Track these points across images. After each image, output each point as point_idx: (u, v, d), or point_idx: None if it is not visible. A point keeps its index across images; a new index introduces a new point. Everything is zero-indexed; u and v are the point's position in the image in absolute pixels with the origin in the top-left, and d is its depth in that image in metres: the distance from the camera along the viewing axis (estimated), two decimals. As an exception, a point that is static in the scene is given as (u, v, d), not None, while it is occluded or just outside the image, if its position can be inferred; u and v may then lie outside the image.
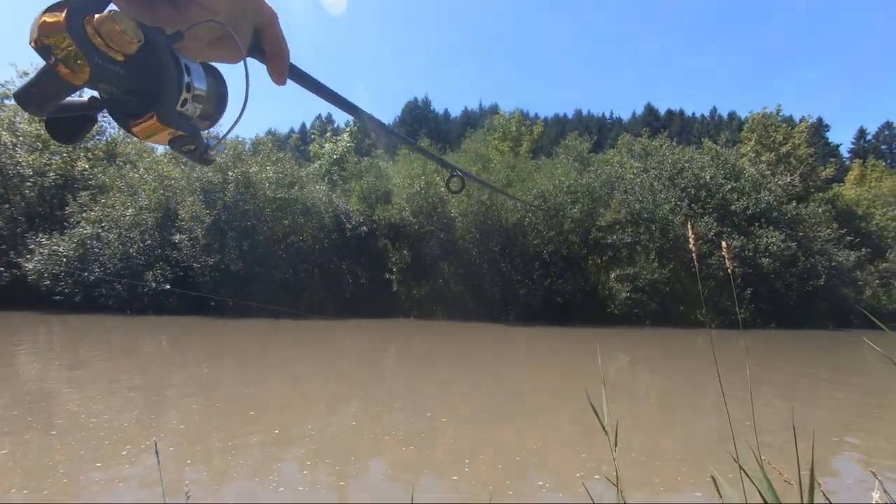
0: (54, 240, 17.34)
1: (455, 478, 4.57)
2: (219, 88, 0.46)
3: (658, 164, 20.41)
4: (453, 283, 18.20)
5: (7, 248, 17.84)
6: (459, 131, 47.95)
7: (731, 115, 72.94)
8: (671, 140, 23.15)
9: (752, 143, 28.24)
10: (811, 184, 25.86)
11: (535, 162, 22.74)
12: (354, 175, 21.44)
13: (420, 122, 75.66)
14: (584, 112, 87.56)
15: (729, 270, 1.29)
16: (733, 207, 18.52)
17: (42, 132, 20.47)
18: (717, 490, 1.61)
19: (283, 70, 0.48)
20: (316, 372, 9.56)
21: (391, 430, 5.96)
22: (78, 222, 17.84)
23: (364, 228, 18.82)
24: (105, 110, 0.41)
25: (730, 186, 18.92)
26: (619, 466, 1.59)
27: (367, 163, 22.31)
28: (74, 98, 0.39)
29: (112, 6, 0.37)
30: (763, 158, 25.60)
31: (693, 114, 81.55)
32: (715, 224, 17.70)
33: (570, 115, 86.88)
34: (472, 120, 71.68)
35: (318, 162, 24.58)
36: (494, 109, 37.71)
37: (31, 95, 0.37)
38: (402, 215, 18.60)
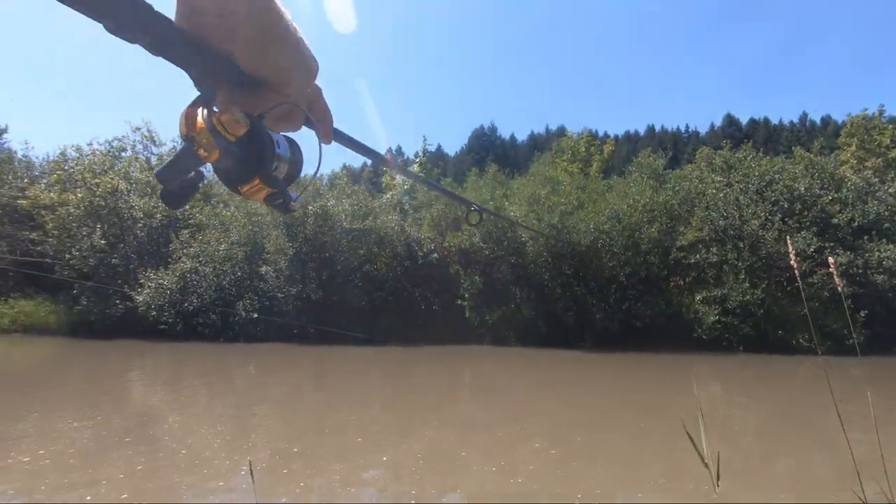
0: (160, 274, 19.21)
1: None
2: (295, 154, 0.58)
3: (743, 176, 19.04)
4: (526, 308, 17.89)
5: (122, 283, 20.01)
6: (527, 156, 47.92)
7: (825, 120, 66.99)
8: (756, 151, 21.58)
9: (853, 148, 25.68)
10: (930, 190, 22.89)
11: (607, 182, 22.10)
12: (424, 204, 21.98)
13: (487, 149, 76.49)
14: (658, 127, 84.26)
15: (839, 288, 1.18)
16: (835, 220, 16.78)
17: (151, 179, 23.05)
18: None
19: (329, 133, 0.61)
20: (392, 398, 9.72)
21: (467, 457, 5.89)
22: (179, 258, 19.68)
23: (435, 255, 19.13)
24: (202, 182, 0.52)
25: (830, 197, 17.21)
26: (729, 496, 1.48)
27: (436, 192, 22.82)
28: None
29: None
30: (868, 164, 23.14)
31: (780, 121, 75.81)
32: (815, 239, 16.07)
33: (641, 132, 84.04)
34: (539, 143, 71.46)
35: (390, 193, 25.50)
36: (562, 131, 37.35)
37: (170, 171, 0.48)
38: (472, 241, 18.70)
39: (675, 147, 63.12)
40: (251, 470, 2.14)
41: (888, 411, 8.21)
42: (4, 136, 30.74)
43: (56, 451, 5.88)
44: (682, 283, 17.88)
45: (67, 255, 20.78)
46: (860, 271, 15.86)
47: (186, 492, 4.78)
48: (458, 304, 18.53)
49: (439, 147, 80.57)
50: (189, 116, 0.47)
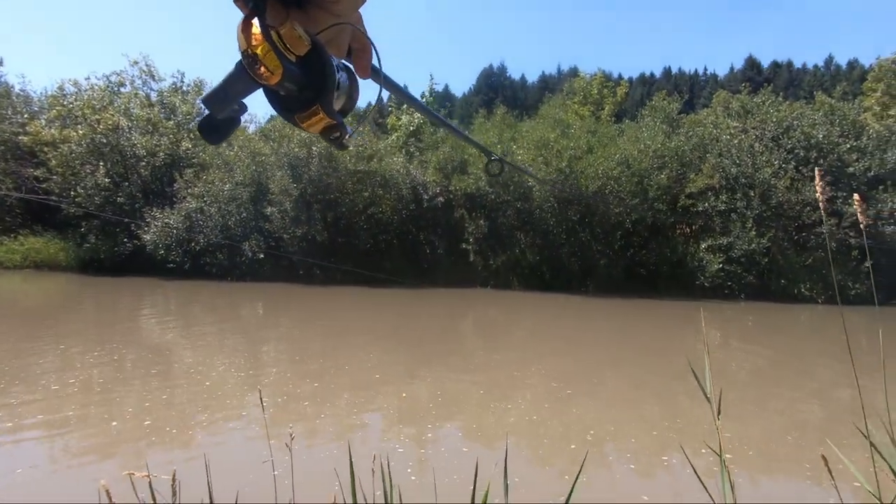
0: (166, 213, 19.27)
1: (539, 449, 4.59)
2: (353, 84, 0.53)
3: (760, 122, 18.42)
4: (530, 253, 17.95)
5: (129, 221, 20.13)
6: (537, 97, 46.37)
7: (852, 64, 63.85)
8: (776, 96, 20.73)
9: (878, 94, 24.64)
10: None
11: (619, 126, 21.47)
12: (430, 146, 21.55)
13: (496, 90, 74.04)
14: (675, 69, 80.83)
15: (862, 225, 1.12)
16: (851, 170, 16.36)
17: (151, 115, 22.60)
18: (829, 470, 1.47)
19: (368, 67, 0.55)
20: (396, 338, 9.95)
21: (469, 396, 6.09)
22: (184, 197, 19.65)
23: (441, 199, 18.98)
24: (245, 111, 0.49)
25: (848, 146, 16.69)
26: (722, 438, 1.50)
27: (442, 133, 22.30)
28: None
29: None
30: (892, 112, 22.28)
31: (804, 65, 72.40)
32: (828, 188, 15.75)
33: (657, 74, 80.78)
34: (550, 85, 68.98)
35: (395, 134, 24.95)
36: (574, 72, 35.85)
37: (219, 97, 0.44)
38: (479, 185, 18.49)
39: (692, 90, 60.80)
40: (261, 399, 2.20)
41: (887, 357, 8.36)
42: (0, 69, 29.90)
43: (78, 383, 6.12)
44: (688, 230, 17.77)
45: (73, 193, 20.78)
46: (871, 222, 15.66)
47: (202, 421, 5.00)
48: (463, 248, 18.60)
49: (447, 87, 77.92)
50: (249, 28, 0.41)
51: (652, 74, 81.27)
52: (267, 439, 3.93)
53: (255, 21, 0.42)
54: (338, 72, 0.49)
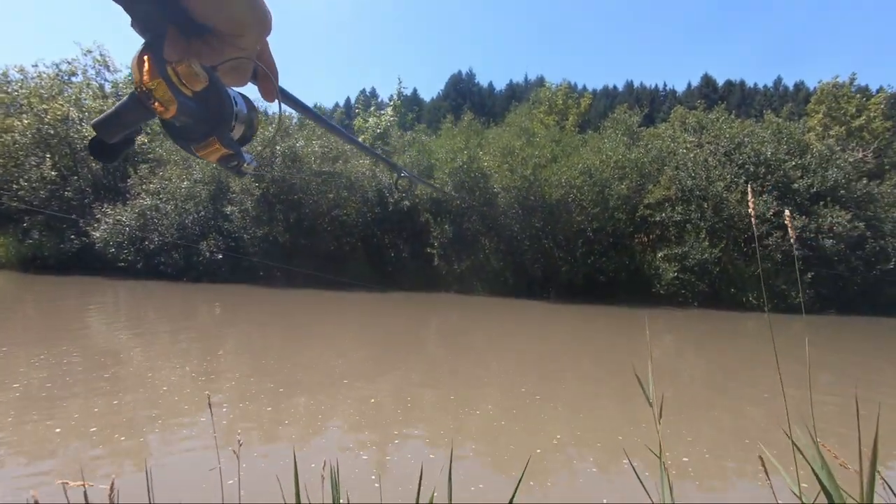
0: (118, 210, 18.43)
1: (490, 450, 4.64)
2: (251, 113, 0.53)
3: (714, 138, 19.31)
4: (494, 258, 18.14)
5: (76, 218, 19.13)
6: (504, 105, 46.99)
7: (798, 86, 67.78)
8: (729, 113, 21.80)
9: (820, 115, 26.24)
10: (886, 160, 23.87)
11: (582, 136, 22.03)
12: (398, 150, 21.50)
13: (464, 97, 74.58)
14: (636, 83, 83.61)
15: (791, 239, 1.20)
16: (796, 186, 17.36)
17: (105, 107, 21.59)
18: (766, 471, 1.56)
19: (274, 91, 0.54)
20: (358, 342, 9.85)
21: (429, 401, 6.09)
22: (138, 194, 18.86)
23: (406, 203, 18.94)
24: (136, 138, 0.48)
25: (793, 163, 17.70)
26: (663, 443, 1.56)
27: (409, 137, 22.30)
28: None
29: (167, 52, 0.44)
30: (832, 132, 23.77)
31: (755, 84, 76.34)
32: (774, 203, 16.66)
33: (620, 87, 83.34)
34: (517, 93, 70.06)
35: (362, 136, 24.76)
36: (541, 82, 36.61)
37: (111, 125, 0.43)
38: (444, 190, 18.56)
39: (652, 104, 62.99)
40: (209, 405, 2.14)
41: (819, 364, 8.88)
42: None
43: (19, 388, 5.77)
44: (645, 239, 18.38)
45: (15, 186, 19.60)
46: (812, 235, 16.63)
47: (150, 427, 4.80)
48: (428, 252, 18.60)
49: (415, 91, 77.90)
50: (143, 64, 0.41)
51: (615, 87, 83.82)
52: (216, 446, 3.81)
53: (153, 58, 0.42)
54: (236, 103, 0.50)
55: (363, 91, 63.36)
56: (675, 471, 4.27)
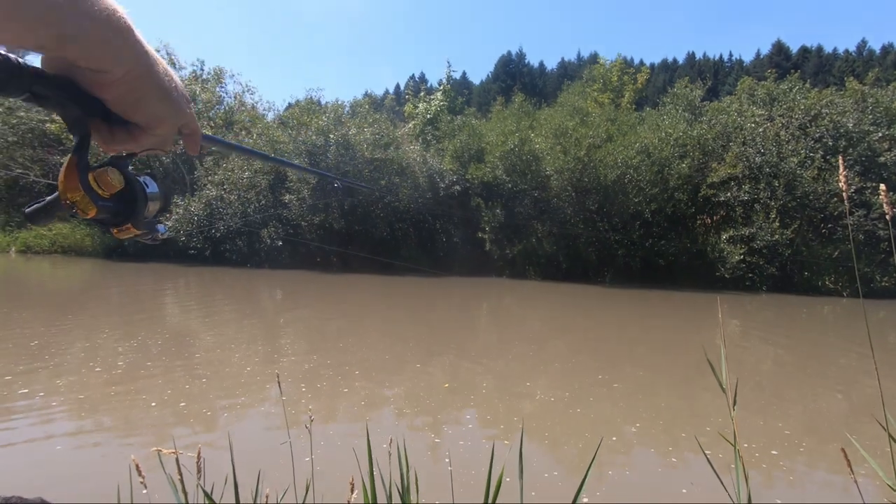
0: (187, 200, 19.62)
1: (552, 439, 4.62)
2: (163, 189, 0.60)
3: (787, 110, 17.92)
4: (546, 243, 17.86)
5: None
6: (556, 84, 45.71)
7: (887, 49, 61.43)
8: (804, 82, 20.11)
9: (913, 80, 23.63)
10: None
11: (639, 114, 21.08)
12: (447, 134, 21.48)
13: (514, 77, 73.09)
14: (699, 55, 78.76)
15: (887, 216, 1.10)
16: (882, 159, 15.85)
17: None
18: (849, 463, 1.46)
19: (197, 147, 0.60)
20: (413, 325, 10.04)
21: (483, 385, 6.13)
22: (205, 185, 19.96)
23: (457, 188, 18.95)
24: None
25: (880, 134, 16.15)
26: (738, 430, 1.50)
27: (459, 121, 22.19)
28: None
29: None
30: (927, 98, 21.38)
31: (834, 50, 69.87)
32: (857, 179, 15.30)
33: (680, 60, 78.84)
34: (569, 71, 67.94)
35: (413, 122, 24.90)
36: (594, 59, 35.23)
37: (41, 215, 0.51)
38: (496, 174, 18.40)
39: (716, 77, 59.20)
40: (279, 383, 2.26)
41: (910, 354, 8.15)
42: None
43: (103, 367, 6.33)
44: (709, 221, 17.48)
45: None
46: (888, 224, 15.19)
47: (223, 404, 5.14)
48: (479, 237, 18.59)
49: (464, 75, 77.34)
50: (67, 178, 0.48)
51: (675, 60, 79.37)
52: (285, 422, 4.03)
53: (74, 168, 0.48)
54: (147, 186, 0.56)
55: (412, 77, 63.59)
56: (747, 461, 4.09)
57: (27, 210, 0.51)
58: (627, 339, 9.23)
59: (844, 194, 1.23)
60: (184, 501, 1.56)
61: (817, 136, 16.63)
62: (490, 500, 1.27)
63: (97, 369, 6.04)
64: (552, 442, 4.45)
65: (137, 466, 1.57)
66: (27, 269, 18.36)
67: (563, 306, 13.18)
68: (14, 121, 23.81)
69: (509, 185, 18.34)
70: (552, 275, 17.46)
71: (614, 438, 4.57)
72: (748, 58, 74.52)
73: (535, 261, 17.97)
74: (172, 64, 25.11)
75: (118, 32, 0.43)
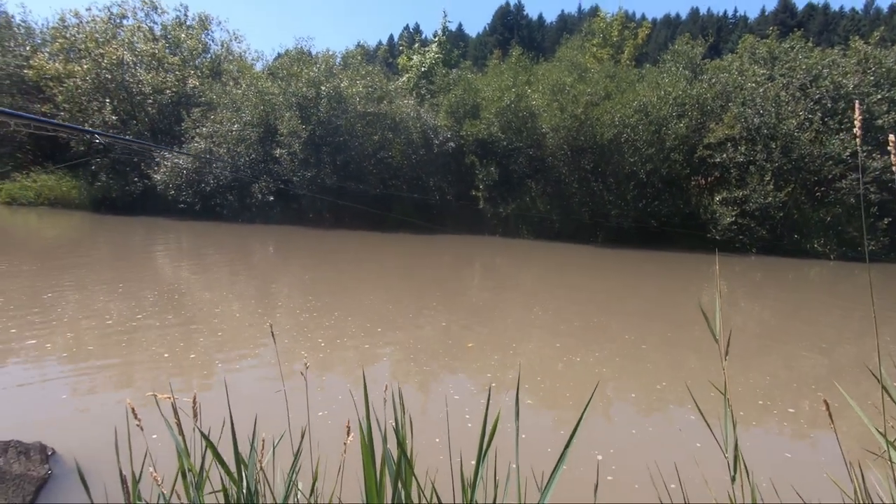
0: (175, 154, 19.13)
1: (544, 392, 4.73)
2: None
3: (788, 70, 17.53)
4: (540, 201, 17.77)
5: (137, 161, 20.04)
6: (555, 38, 44.28)
7: (894, 7, 59.79)
8: (806, 41, 19.59)
9: (918, 41, 23.11)
10: None
11: (638, 71, 20.55)
12: (442, 89, 20.90)
13: (512, 30, 70.65)
14: (703, 10, 76.34)
15: (895, 166, 1.07)
16: (880, 122, 15.69)
17: (156, 50, 21.95)
18: (829, 414, 1.50)
19: None
20: (405, 282, 10.08)
21: (474, 340, 6.23)
22: (192, 137, 19.43)
23: (451, 144, 18.63)
24: None
25: (879, 96, 15.93)
26: (728, 378, 1.52)
27: (455, 75, 21.55)
28: None
29: None
30: (931, 60, 21.00)
31: (841, 8, 67.99)
32: (853, 142, 15.20)
33: (683, 15, 76.45)
34: (569, 25, 65.76)
35: (406, 75, 24.15)
36: (595, 11, 34.01)
37: None
38: (491, 130, 18.06)
39: (719, 34, 57.62)
40: (272, 331, 2.26)
41: (887, 317, 8.37)
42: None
43: (96, 319, 6.32)
44: (703, 182, 17.41)
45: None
46: (891, 178, 15.22)
47: (217, 355, 5.18)
48: (473, 194, 18.44)
49: (460, 26, 74.57)
50: None
51: (678, 16, 76.89)
52: (279, 370, 4.08)
53: None
54: None
55: (406, 27, 61.23)
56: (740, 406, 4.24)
57: None
58: (618, 297, 9.36)
59: (857, 140, 1.20)
60: (182, 444, 1.58)
61: (817, 97, 16.37)
62: (485, 443, 1.29)
63: (90, 320, 6.04)
64: (544, 396, 4.57)
65: (133, 409, 1.58)
66: (13, 221, 18.05)
67: (555, 265, 13.28)
68: (-10, 67, 22.80)
69: (504, 143, 18.05)
70: (545, 234, 17.49)
71: (606, 388, 4.70)
72: (753, 14, 72.54)
73: (528, 220, 17.93)
74: (154, 8, 23.94)
75: None
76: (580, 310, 8.16)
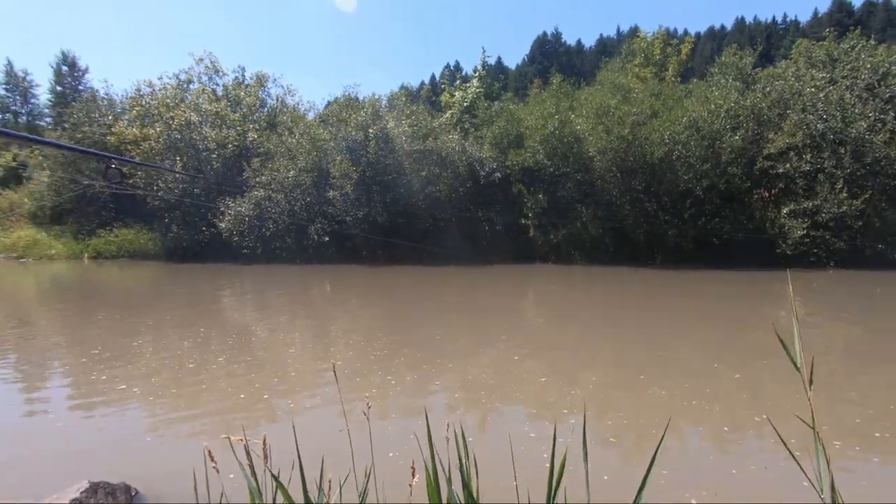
0: (237, 202, 20.40)
1: (611, 426, 4.52)
2: None
3: (850, 71, 16.58)
4: (592, 226, 17.40)
5: (205, 212, 21.51)
6: (595, 63, 44.24)
7: (966, -5, 55.56)
8: (867, 39, 18.49)
9: None
10: None
11: (685, 86, 20.09)
12: (485, 121, 21.25)
13: (551, 59, 71.33)
14: (749, 19, 74.08)
15: None
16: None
17: (219, 109, 23.80)
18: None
19: None
20: (459, 315, 10.06)
21: (533, 373, 6.08)
22: (253, 186, 20.68)
23: (498, 175, 18.77)
24: None
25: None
26: (815, 411, 1.40)
27: (497, 107, 21.90)
28: None
29: None
30: None
31: (904, 1, 63.83)
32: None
33: (728, 26, 74.42)
34: (609, 48, 65.59)
35: (450, 111, 24.78)
36: (635, 32, 33.81)
37: None
38: (536, 158, 18.08)
39: (769, 41, 55.63)
40: (335, 373, 2.31)
41: None
42: (87, 75, 32.50)
43: (171, 360, 6.71)
44: (767, 195, 16.49)
45: (155, 187, 22.45)
46: None
47: (282, 395, 5.34)
48: (522, 223, 18.36)
49: (499, 60, 75.99)
50: None
51: (722, 27, 74.96)
52: (342, 408, 4.14)
53: None
54: None
55: (447, 66, 63.20)
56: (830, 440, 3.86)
57: None
58: (683, 321, 8.90)
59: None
60: (254, 485, 1.63)
61: (887, 96, 15.31)
62: (554, 482, 1.25)
63: (167, 364, 6.42)
64: (611, 430, 4.36)
65: (210, 453, 1.65)
66: (99, 273, 19.70)
67: (613, 290, 12.86)
68: (79, 135, 25.47)
69: (551, 169, 17.98)
70: (599, 259, 17.05)
71: (679, 422, 4.43)
72: (805, 17, 69.44)
73: (580, 245, 17.58)
74: (216, 71, 26.09)
75: None
76: (643, 336, 7.80)
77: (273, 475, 1.54)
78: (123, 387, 5.57)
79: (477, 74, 26.75)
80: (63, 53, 43.43)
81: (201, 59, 25.73)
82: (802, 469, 1.39)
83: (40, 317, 10.28)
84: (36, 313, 10.49)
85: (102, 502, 3.07)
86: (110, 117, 26.58)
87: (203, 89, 25.50)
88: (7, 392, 5.61)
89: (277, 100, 26.98)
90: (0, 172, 32.25)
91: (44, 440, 4.29)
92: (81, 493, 2.96)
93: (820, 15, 65.53)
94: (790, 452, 1.41)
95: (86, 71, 43.72)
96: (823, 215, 14.67)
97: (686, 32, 52.54)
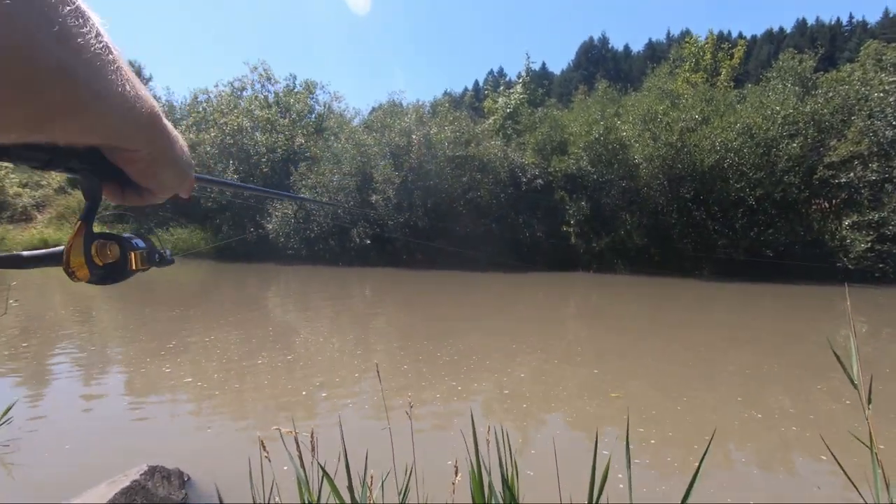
0: (284, 205, 21.14)
1: (653, 441, 4.41)
2: (148, 243, 0.64)
3: (925, 73, 15.51)
4: (636, 234, 16.96)
5: (254, 214, 22.40)
6: (643, 68, 43.21)
7: None
8: (948, 39, 17.22)
9: None
10: None
11: (739, 91, 19.33)
12: (528, 127, 21.15)
13: (596, 64, 70.24)
14: (811, 20, 70.50)
15: None
16: None
17: (270, 115, 24.76)
18: None
19: (189, 194, 0.64)
20: (497, 322, 10.04)
21: (574, 383, 6.00)
22: (299, 189, 21.38)
23: (540, 181, 18.63)
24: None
25: None
26: (873, 431, 1.36)
27: (540, 113, 21.76)
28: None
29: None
30: None
31: None
32: None
33: (788, 28, 71.10)
34: (658, 53, 64.00)
35: (493, 117, 24.81)
36: (685, 36, 32.81)
37: (33, 261, 0.53)
38: (580, 164, 17.82)
39: (833, 44, 52.74)
40: (378, 372, 2.39)
41: None
42: (150, 83, 34.55)
43: (220, 356, 7.04)
44: (827, 206, 15.60)
45: (209, 191, 23.57)
46: None
47: (323, 393, 5.50)
48: (564, 230, 18.12)
49: (544, 65, 75.65)
50: (73, 245, 0.51)
51: (781, 30, 71.70)
52: (384, 407, 4.23)
53: (82, 236, 0.51)
54: (136, 246, 0.59)
55: (491, 72, 63.32)
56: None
57: (25, 254, 0.54)
58: (733, 336, 8.54)
59: None
60: (303, 475, 1.71)
61: (966, 101, 14.21)
62: (597, 490, 1.26)
63: (220, 357, 6.73)
64: (653, 445, 4.26)
65: (262, 443, 1.75)
66: (154, 272, 20.80)
67: (657, 301, 12.48)
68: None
69: (594, 176, 17.67)
70: (643, 268, 16.58)
71: (724, 434, 4.28)
72: (874, 18, 65.39)
73: (624, 254, 17.16)
74: (268, 79, 27.18)
75: (153, 122, 0.47)
76: (688, 348, 7.54)
77: (322, 468, 1.61)
78: (178, 379, 5.88)
79: (521, 80, 26.68)
80: (129, 62, 46.27)
81: (255, 68, 26.91)
82: (858, 490, 1.34)
83: (102, 312, 10.98)
84: (98, 309, 11.22)
85: (159, 486, 3.26)
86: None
87: (255, 96, 26.63)
88: (71, 380, 6.05)
89: (325, 106, 27.81)
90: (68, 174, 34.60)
91: (105, 427, 4.60)
92: (141, 475, 3.15)
93: (892, 15, 61.55)
94: (844, 472, 1.37)
95: (149, 80, 46.48)
96: (891, 228, 13.75)
97: (741, 35, 50.54)
